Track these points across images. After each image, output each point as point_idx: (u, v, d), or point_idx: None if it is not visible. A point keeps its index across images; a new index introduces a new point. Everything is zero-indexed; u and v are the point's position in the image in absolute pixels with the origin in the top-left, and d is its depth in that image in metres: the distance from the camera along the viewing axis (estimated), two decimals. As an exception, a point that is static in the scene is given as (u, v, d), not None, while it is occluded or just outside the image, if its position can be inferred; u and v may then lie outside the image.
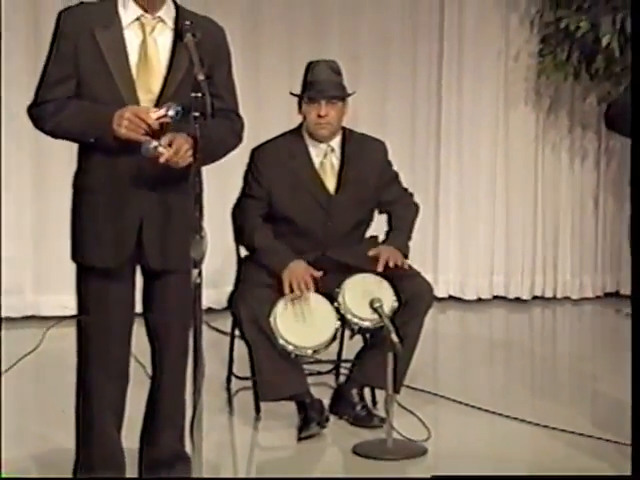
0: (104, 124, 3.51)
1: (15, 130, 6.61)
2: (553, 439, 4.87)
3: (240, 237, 5.18)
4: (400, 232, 5.12)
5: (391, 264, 4.88)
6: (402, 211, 5.20)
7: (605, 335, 7.49)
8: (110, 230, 3.66)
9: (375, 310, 4.82)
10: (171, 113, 3.46)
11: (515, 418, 5.11)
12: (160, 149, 3.45)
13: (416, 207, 5.25)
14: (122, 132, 3.49)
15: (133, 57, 3.62)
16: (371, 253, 4.96)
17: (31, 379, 5.77)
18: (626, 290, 8.09)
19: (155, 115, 3.48)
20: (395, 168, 5.28)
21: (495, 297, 8.18)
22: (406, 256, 5.01)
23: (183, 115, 3.43)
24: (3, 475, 3.43)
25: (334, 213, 5.06)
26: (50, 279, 7.00)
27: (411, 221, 5.19)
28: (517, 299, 8.20)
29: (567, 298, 8.31)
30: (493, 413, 5.21)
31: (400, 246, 5.01)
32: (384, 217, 5.24)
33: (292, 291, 4.84)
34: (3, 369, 5.71)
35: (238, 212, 5.15)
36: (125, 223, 3.65)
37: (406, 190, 5.28)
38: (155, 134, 3.49)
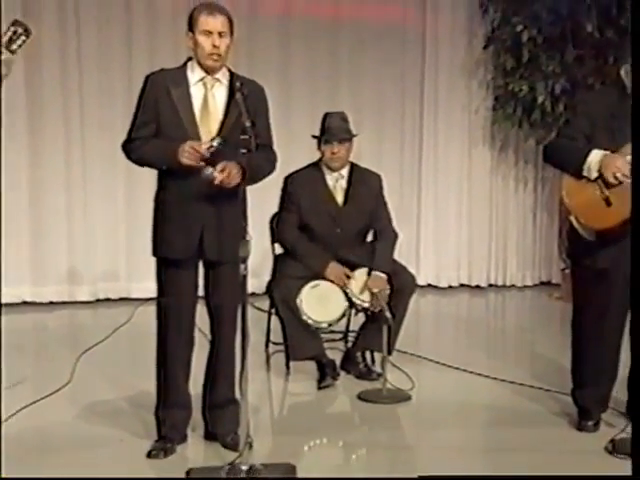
0: (172, 156, 3.50)
1: (114, 162, 6.60)
2: (503, 388, 4.82)
3: (282, 241, 5.11)
4: (385, 255, 4.98)
5: (375, 291, 4.81)
6: (387, 239, 5.08)
7: (541, 313, 7.43)
8: (180, 232, 3.64)
9: (374, 295, 4.80)
10: (215, 143, 3.45)
11: (476, 373, 5.07)
12: (215, 174, 3.44)
13: (395, 235, 5.15)
14: (184, 160, 3.48)
15: (197, 107, 3.62)
16: (369, 287, 4.86)
17: (124, 344, 5.75)
18: (556, 280, 8.07)
19: (204, 146, 3.46)
20: (387, 196, 5.19)
21: (461, 285, 8.10)
22: (388, 273, 4.90)
23: (225, 145, 3.43)
24: (3, 475, 3.24)
25: (342, 222, 5.01)
26: (138, 270, 6.96)
27: (392, 245, 5.08)
28: (477, 286, 8.12)
29: (513, 286, 8.23)
30: (457, 369, 5.16)
31: (385, 268, 4.89)
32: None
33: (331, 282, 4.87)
34: (103, 338, 5.71)
35: (279, 223, 5.10)
36: (191, 227, 3.63)
37: (390, 220, 5.17)
38: (210, 161, 3.47)
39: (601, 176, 3.78)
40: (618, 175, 3.72)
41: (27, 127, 6.86)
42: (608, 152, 3.78)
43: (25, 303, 6.93)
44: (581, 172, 3.82)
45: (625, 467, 3.59)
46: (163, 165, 3.62)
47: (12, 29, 3.22)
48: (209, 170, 3.45)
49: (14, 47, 3.22)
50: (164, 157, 3.57)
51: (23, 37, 3.23)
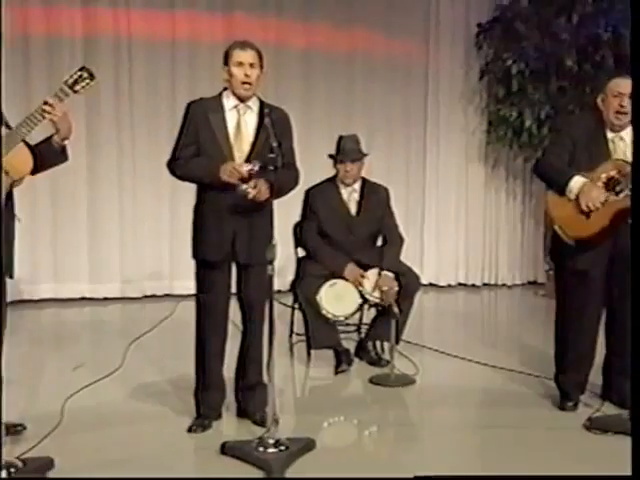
0: (214, 173, 3.51)
1: (160, 178, 6.61)
2: (495, 374, 4.80)
3: (304, 246, 5.09)
4: (393, 257, 4.95)
5: (385, 289, 4.79)
6: (394, 244, 5.05)
7: (528, 308, 7.39)
8: (216, 238, 3.65)
9: (384, 292, 4.79)
10: (256, 168, 3.46)
11: (472, 360, 5.04)
12: (248, 190, 3.45)
13: (402, 239, 5.12)
14: (225, 178, 3.49)
15: (231, 130, 3.63)
16: (380, 285, 4.83)
17: (168, 334, 5.76)
18: (542, 279, 8.03)
19: (246, 168, 3.48)
20: (394, 206, 5.16)
21: (459, 284, 8.08)
22: (395, 272, 4.88)
23: (262, 169, 3.42)
24: (3, 475, 3.13)
25: (355, 229, 5.00)
26: (180, 270, 6.98)
27: (399, 248, 5.05)
28: (473, 285, 8.10)
29: (504, 285, 8.19)
30: (456, 357, 5.14)
31: (393, 269, 4.86)
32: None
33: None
34: (150, 328, 5.73)
35: (302, 230, 5.09)
36: (225, 234, 3.64)
37: (397, 227, 5.14)
38: (245, 179, 3.48)
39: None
40: (590, 205, 3.75)
41: (86, 149, 6.90)
42: (588, 180, 3.80)
43: (84, 299, 7.00)
44: (564, 192, 3.85)
45: (600, 441, 3.65)
46: (205, 181, 3.61)
47: (79, 73, 3.29)
48: (243, 187, 3.46)
49: (77, 88, 3.29)
50: (207, 174, 3.57)
51: (88, 80, 3.30)
